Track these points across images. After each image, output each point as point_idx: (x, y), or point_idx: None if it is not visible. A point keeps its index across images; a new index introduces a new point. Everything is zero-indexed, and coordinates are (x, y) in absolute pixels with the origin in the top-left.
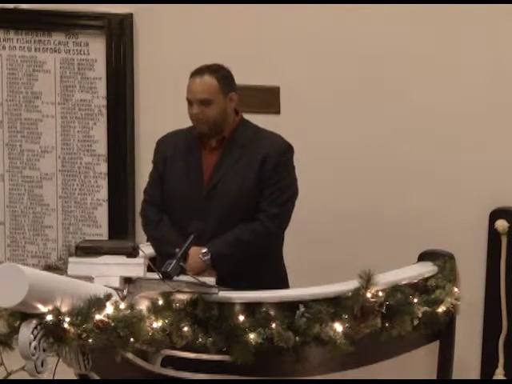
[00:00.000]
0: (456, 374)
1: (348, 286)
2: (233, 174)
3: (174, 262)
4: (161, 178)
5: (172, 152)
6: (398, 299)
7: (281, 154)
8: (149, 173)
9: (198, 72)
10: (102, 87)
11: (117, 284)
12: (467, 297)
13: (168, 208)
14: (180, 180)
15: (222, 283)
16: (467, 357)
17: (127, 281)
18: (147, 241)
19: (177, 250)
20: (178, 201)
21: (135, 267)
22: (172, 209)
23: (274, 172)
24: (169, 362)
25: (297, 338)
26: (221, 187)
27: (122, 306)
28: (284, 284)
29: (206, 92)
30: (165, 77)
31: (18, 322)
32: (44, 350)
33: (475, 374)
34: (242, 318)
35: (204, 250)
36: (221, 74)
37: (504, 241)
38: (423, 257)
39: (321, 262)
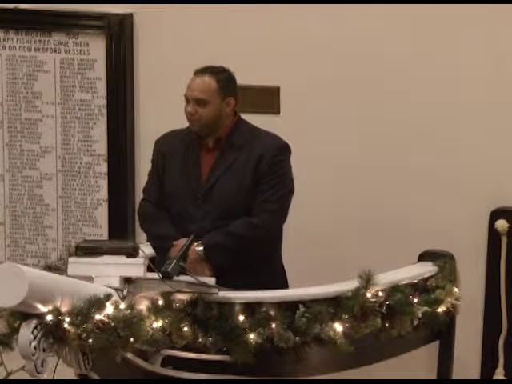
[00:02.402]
0: (456, 374)
1: (348, 285)
2: (229, 174)
3: (174, 261)
4: (159, 177)
5: (170, 151)
6: (398, 299)
7: (276, 153)
8: (148, 172)
9: (201, 71)
10: (102, 87)
11: (117, 284)
12: (467, 297)
13: (166, 207)
14: (178, 179)
15: (221, 283)
16: (467, 357)
17: (127, 281)
18: (147, 240)
19: (174, 242)
20: (176, 200)
21: (135, 267)
22: (170, 208)
23: (269, 170)
24: (169, 361)
25: (297, 338)
26: (218, 188)
27: (122, 306)
28: (283, 284)
29: (202, 92)
30: (165, 77)
31: (18, 322)
32: (44, 350)
33: (475, 374)
34: (241, 317)
35: (198, 242)
36: (222, 76)
37: (504, 241)
38: (423, 257)
39: (321, 261)
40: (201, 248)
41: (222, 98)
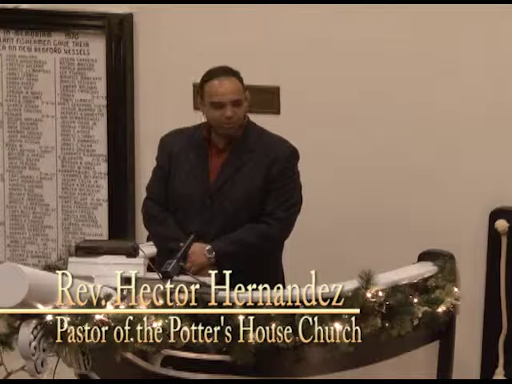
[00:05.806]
0: (456, 374)
1: (348, 286)
2: (239, 176)
3: (174, 261)
4: (165, 176)
5: (177, 150)
6: (398, 299)
7: (288, 158)
8: (151, 170)
9: (220, 74)
10: (102, 87)
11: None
12: (467, 297)
13: (171, 207)
14: (185, 180)
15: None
16: (467, 357)
17: (127, 281)
18: (147, 240)
19: (181, 244)
20: (182, 201)
21: (135, 267)
22: (175, 208)
23: (280, 176)
24: (169, 362)
25: (297, 338)
26: (226, 189)
27: (122, 306)
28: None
29: (237, 93)
30: (165, 77)
31: (18, 322)
32: (44, 350)
33: (475, 374)
34: (241, 318)
35: (209, 247)
36: (237, 74)
37: (504, 241)
38: (423, 257)
39: (321, 261)
40: (213, 254)
41: (244, 93)
